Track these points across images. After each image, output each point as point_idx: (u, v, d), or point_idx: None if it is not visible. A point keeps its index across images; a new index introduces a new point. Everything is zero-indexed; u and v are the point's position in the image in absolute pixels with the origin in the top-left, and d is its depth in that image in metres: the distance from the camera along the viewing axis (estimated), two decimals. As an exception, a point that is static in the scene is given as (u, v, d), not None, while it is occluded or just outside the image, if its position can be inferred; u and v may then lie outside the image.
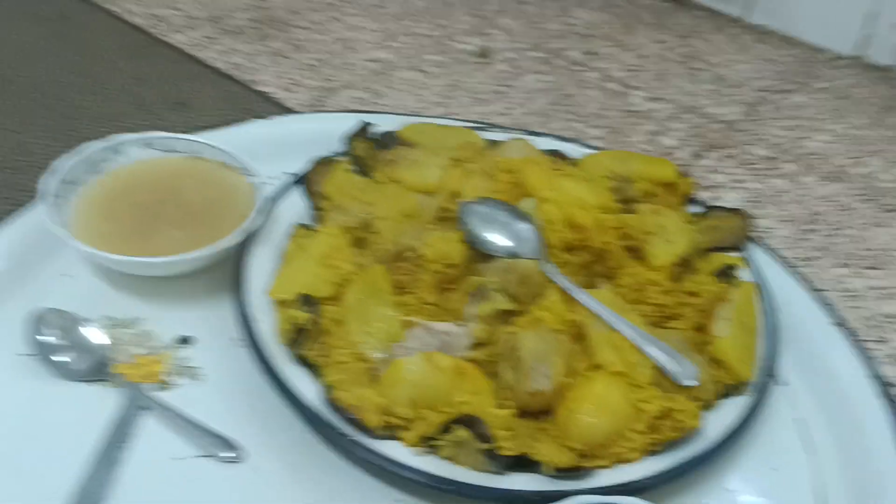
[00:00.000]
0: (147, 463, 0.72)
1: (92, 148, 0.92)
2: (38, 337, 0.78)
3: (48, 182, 0.86)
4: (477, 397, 0.71)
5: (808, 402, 0.82)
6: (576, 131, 1.26)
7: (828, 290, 0.99)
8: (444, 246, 0.80)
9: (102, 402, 0.76)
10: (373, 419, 0.71)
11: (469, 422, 0.69)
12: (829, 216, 1.13)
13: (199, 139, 0.97)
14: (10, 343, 0.80)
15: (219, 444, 0.73)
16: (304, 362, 0.77)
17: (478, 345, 0.76)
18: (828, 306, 0.91)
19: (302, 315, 0.76)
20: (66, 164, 0.89)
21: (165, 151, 0.96)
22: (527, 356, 0.73)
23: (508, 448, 0.69)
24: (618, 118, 1.31)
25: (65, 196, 0.89)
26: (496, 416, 0.70)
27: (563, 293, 0.79)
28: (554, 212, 0.83)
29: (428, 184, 0.88)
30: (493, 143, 1.01)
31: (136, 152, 0.95)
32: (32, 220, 0.89)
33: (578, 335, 0.77)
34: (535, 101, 1.33)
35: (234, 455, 0.73)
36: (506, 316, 0.77)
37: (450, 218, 0.86)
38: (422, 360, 0.73)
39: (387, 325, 0.78)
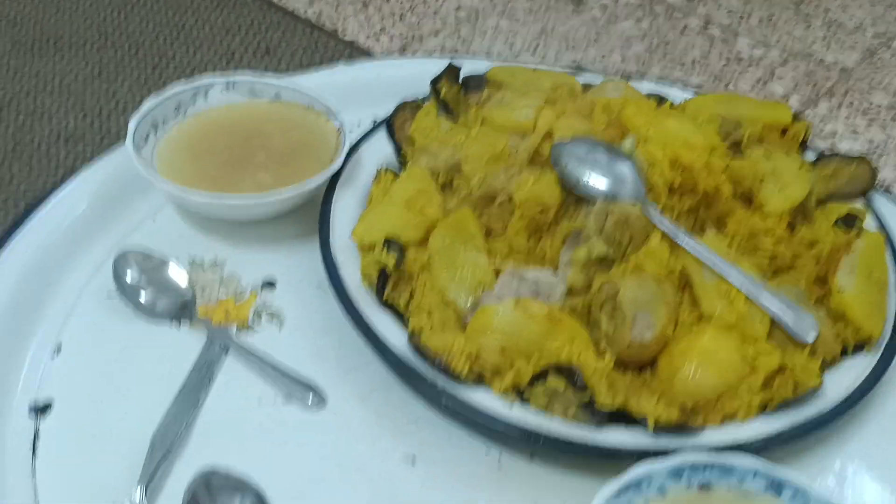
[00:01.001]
0: (229, 406, 0.71)
1: (177, 89, 0.90)
2: (124, 278, 0.78)
3: (135, 123, 0.85)
4: (572, 346, 0.66)
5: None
6: (676, 79, 1.19)
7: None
8: (536, 188, 0.75)
9: (187, 343, 0.75)
10: (460, 365, 0.67)
11: (565, 371, 0.64)
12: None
13: (284, 83, 0.94)
14: (97, 284, 0.80)
15: (302, 390, 0.71)
16: (390, 307, 0.73)
17: (572, 293, 0.71)
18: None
19: (387, 258, 0.73)
20: (152, 104, 0.88)
21: (250, 95, 0.94)
22: (627, 305, 0.67)
23: (607, 401, 0.64)
24: (721, 66, 1.23)
25: (151, 138, 0.87)
26: (594, 366, 0.65)
27: (667, 238, 0.73)
28: (657, 152, 0.76)
29: (519, 124, 0.82)
30: (589, 85, 0.94)
31: (221, 96, 0.93)
32: (119, 161, 0.89)
33: (683, 284, 0.71)
34: (632, 48, 1.25)
35: (317, 401, 0.71)
36: (603, 263, 0.72)
37: (543, 160, 0.81)
38: (512, 306, 0.68)
39: (475, 271, 0.74)
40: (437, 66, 1.00)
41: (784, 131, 0.88)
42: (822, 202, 0.84)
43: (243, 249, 0.85)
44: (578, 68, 1.04)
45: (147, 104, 0.88)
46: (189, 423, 0.68)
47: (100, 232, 0.84)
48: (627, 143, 0.80)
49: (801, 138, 0.88)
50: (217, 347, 0.74)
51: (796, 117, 0.89)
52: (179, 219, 0.87)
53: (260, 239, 0.86)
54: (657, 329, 0.67)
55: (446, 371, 0.67)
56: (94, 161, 0.90)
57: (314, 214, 0.82)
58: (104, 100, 1.08)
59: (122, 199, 0.87)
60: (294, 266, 0.83)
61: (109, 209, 0.86)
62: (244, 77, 0.94)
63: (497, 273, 0.74)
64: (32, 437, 0.67)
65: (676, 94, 0.97)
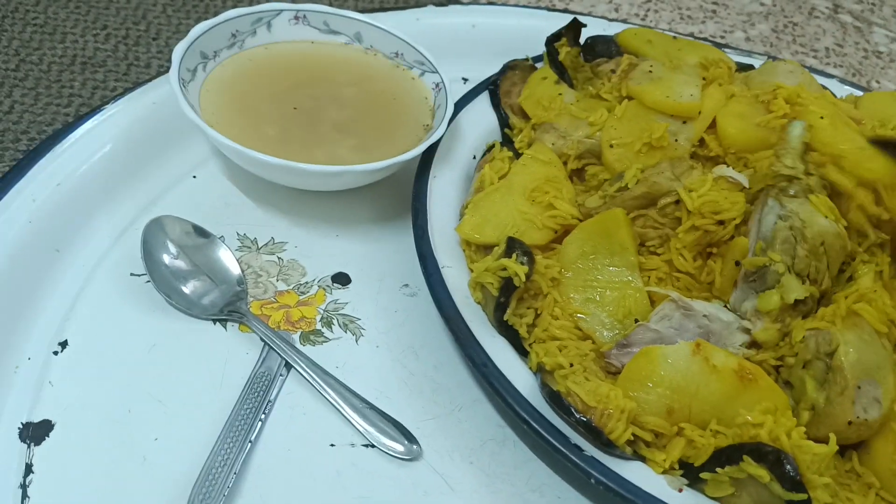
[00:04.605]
0: (292, 445, 0.52)
1: (233, 13, 0.71)
2: (157, 255, 0.59)
3: (181, 50, 0.66)
4: (775, 418, 0.49)
5: None
6: (809, 69, 1.00)
7: None
8: (714, 194, 0.57)
9: (232, 349, 0.56)
10: (619, 429, 0.49)
11: (770, 456, 0.46)
12: None
13: (368, 20, 0.75)
14: (116, 258, 0.60)
15: (391, 432, 0.53)
16: (507, 329, 0.55)
17: (755, 343, 0.53)
18: None
19: (516, 266, 0.55)
20: (201, 29, 0.68)
21: (325, 32, 0.75)
22: (850, 369, 0.50)
23: (826, 499, 0.46)
24: (859, 57, 1.04)
25: (199, 72, 0.68)
26: (812, 451, 0.47)
27: (879, 276, 0.55)
28: (854, 188, 0.58)
29: (682, 105, 0.64)
30: (745, 65, 0.76)
31: (288, 28, 0.74)
32: (153, 98, 0.69)
33: (899, 340, 0.54)
34: (756, 27, 1.06)
35: (407, 451, 0.53)
36: (799, 304, 0.54)
37: (711, 155, 0.63)
38: (689, 351, 0.51)
39: (624, 294, 0.56)
40: (544, 22, 0.82)
41: None
42: None
43: (310, 229, 0.66)
44: (717, 44, 0.85)
45: (196, 29, 0.69)
46: (239, 468, 0.50)
47: (123, 188, 0.65)
48: (797, 130, 0.60)
49: None
50: (277, 362, 0.56)
51: None
52: (227, 179, 0.68)
53: (330, 217, 0.67)
54: (885, 405, 0.50)
55: (596, 434, 0.49)
56: (119, 95, 0.70)
57: (400, 191, 0.63)
58: (133, 20, 0.88)
59: (154, 147, 0.68)
60: (374, 257, 0.64)
61: (138, 159, 0.67)
62: (318, 8, 0.75)
63: (652, 300, 0.56)
64: (22, 482, 0.49)
65: (836, 87, 0.80)
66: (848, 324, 0.52)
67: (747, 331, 0.54)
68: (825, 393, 0.50)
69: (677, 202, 0.58)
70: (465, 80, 0.84)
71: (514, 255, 0.55)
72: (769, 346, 0.53)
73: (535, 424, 0.50)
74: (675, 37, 0.78)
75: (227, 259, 0.60)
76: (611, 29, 0.83)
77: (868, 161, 0.59)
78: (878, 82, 1.01)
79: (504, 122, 0.73)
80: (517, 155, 0.66)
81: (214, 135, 0.61)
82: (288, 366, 0.56)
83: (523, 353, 0.56)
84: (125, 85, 0.79)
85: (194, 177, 0.68)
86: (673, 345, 0.52)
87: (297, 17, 0.75)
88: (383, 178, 0.66)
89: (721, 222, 0.57)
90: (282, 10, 0.74)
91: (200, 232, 0.61)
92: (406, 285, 0.62)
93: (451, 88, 0.74)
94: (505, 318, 0.55)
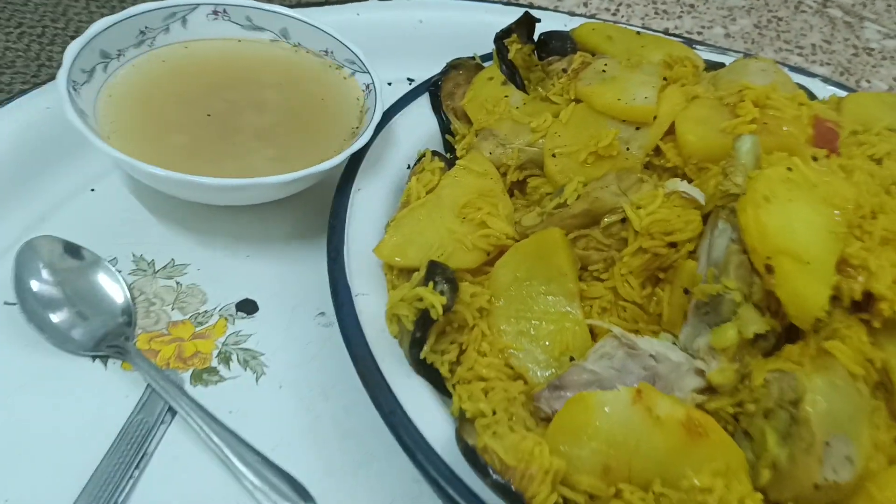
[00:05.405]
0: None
1: (144, 7, 0.64)
2: (28, 282, 0.51)
3: (75, 50, 0.58)
4: (728, 480, 0.41)
5: None
6: (793, 66, 0.93)
7: None
8: (665, 211, 0.50)
9: (109, 391, 0.49)
10: (543, 493, 0.41)
11: (719, 529, 0.39)
12: None
13: (295, 15, 0.68)
14: (-5, 283, 0.53)
15: (281, 490, 0.46)
16: (425, 368, 0.48)
17: (713, 389, 0.46)
18: None
19: (433, 297, 0.47)
20: (103, 24, 0.61)
21: (247, 28, 0.67)
22: (818, 422, 0.42)
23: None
24: (848, 55, 0.97)
25: (98, 74, 0.61)
26: (769, 525, 0.40)
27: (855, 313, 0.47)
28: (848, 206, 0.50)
29: (634, 108, 0.56)
30: (716, 63, 0.69)
31: (207, 24, 0.67)
32: (49, 101, 0.62)
33: (883, 384, 0.46)
34: (737, 22, 0.99)
35: (304, 510, 0.45)
36: (760, 341, 0.47)
37: (668, 166, 0.55)
38: (628, 399, 0.43)
39: (561, 327, 0.49)
40: (498, 17, 0.75)
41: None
42: None
43: (217, 249, 0.58)
44: (689, 41, 0.78)
45: (96, 25, 0.61)
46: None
47: (9, 203, 0.58)
48: (746, 144, 0.52)
49: None
50: (158, 407, 0.48)
51: None
52: (130, 193, 0.61)
53: (242, 235, 0.60)
54: (859, 465, 0.42)
55: (515, 498, 0.42)
56: (8, 99, 0.63)
57: (325, 205, 0.56)
58: (51, 16, 0.80)
59: (47, 157, 0.61)
60: (287, 281, 0.57)
61: (27, 170, 0.60)
62: (241, 1, 0.67)
63: (594, 333, 0.49)
64: None
65: (816, 87, 0.73)
66: (817, 365, 0.45)
67: (701, 372, 0.46)
68: (788, 449, 0.42)
69: (623, 220, 0.51)
70: (411, 80, 0.77)
71: (432, 283, 0.48)
72: (725, 390, 0.46)
73: (445, 486, 0.42)
74: (639, 32, 0.71)
75: (111, 286, 0.53)
76: (572, 24, 0.76)
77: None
78: (868, 81, 0.93)
79: (446, 128, 0.66)
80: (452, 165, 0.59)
81: (100, 144, 0.53)
82: (172, 411, 0.48)
83: (448, 393, 0.49)
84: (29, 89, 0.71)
85: (92, 190, 0.61)
86: (612, 390, 0.44)
87: (216, 13, 0.67)
88: (306, 190, 0.59)
89: (673, 244, 0.49)
90: (198, 5, 0.66)
91: (83, 255, 0.54)
92: (322, 313, 0.55)
93: (392, 90, 0.67)
94: (422, 357, 0.48)
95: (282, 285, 0.56)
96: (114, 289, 0.53)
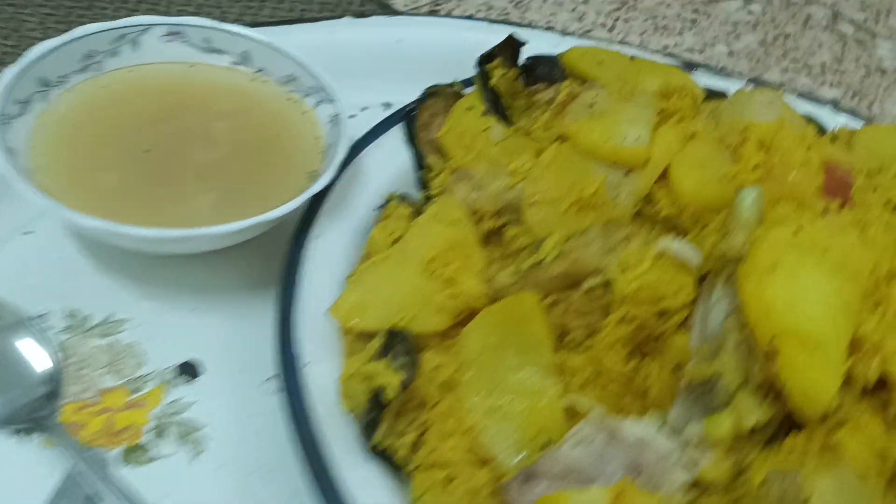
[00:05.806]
0: None
1: (91, 28, 0.58)
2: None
3: (10, 79, 0.53)
4: None
5: None
6: (801, 88, 0.87)
7: None
8: (656, 273, 0.44)
9: (28, 472, 0.43)
10: None
11: None
12: None
13: (259, 36, 0.62)
14: None
15: None
16: (383, 455, 0.42)
17: (704, 486, 0.40)
18: None
19: (388, 374, 0.41)
20: (43, 49, 0.55)
21: (204, 51, 0.62)
22: (825, 534, 0.36)
23: None
24: (860, 76, 0.91)
25: (36, 104, 0.55)
26: None
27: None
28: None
29: (624, 150, 0.50)
30: (718, 93, 0.63)
31: (160, 46, 0.61)
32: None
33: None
34: (741, 39, 0.93)
35: None
36: (758, 432, 0.41)
37: (658, 216, 0.49)
38: (606, 502, 0.37)
39: (535, 404, 0.43)
40: (485, 35, 0.69)
41: None
42: None
43: (161, 302, 0.53)
44: (689, 64, 0.72)
45: (35, 50, 0.56)
46: None
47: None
48: (748, 199, 0.46)
49: None
50: (80, 491, 0.43)
51: None
52: (70, 236, 0.55)
53: (188, 285, 0.54)
54: (872, 584, 0.36)
55: None
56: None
57: (279, 251, 0.50)
58: (1, 34, 0.75)
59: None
60: (235, 340, 0.51)
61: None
62: (200, 21, 0.62)
63: (573, 414, 0.43)
64: None
65: (827, 117, 0.67)
66: (824, 461, 0.39)
67: (692, 464, 0.41)
68: (791, 564, 0.37)
69: (607, 284, 0.45)
70: (388, 105, 0.71)
71: (390, 356, 0.42)
72: (718, 488, 0.40)
73: None
74: (632, 57, 0.65)
75: (31, 350, 0.47)
76: (563, 45, 0.70)
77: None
78: (881, 104, 0.87)
79: (420, 163, 0.61)
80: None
81: (23, 187, 0.48)
82: (99, 498, 0.43)
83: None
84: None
85: (29, 233, 0.55)
86: (589, 486, 0.39)
87: (171, 34, 0.61)
88: (260, 239, 0.54)
89: (662, 313, 0.44)
90: (152, 25, 0.61)
91: (2, 315, 0.48)
92: (267, 381, 0.49)
93: (366, 116, 0.61)
94: (374, 443, 0.42)
95: (228, 344, 0.51)
96: (38, 354, 0.47)
